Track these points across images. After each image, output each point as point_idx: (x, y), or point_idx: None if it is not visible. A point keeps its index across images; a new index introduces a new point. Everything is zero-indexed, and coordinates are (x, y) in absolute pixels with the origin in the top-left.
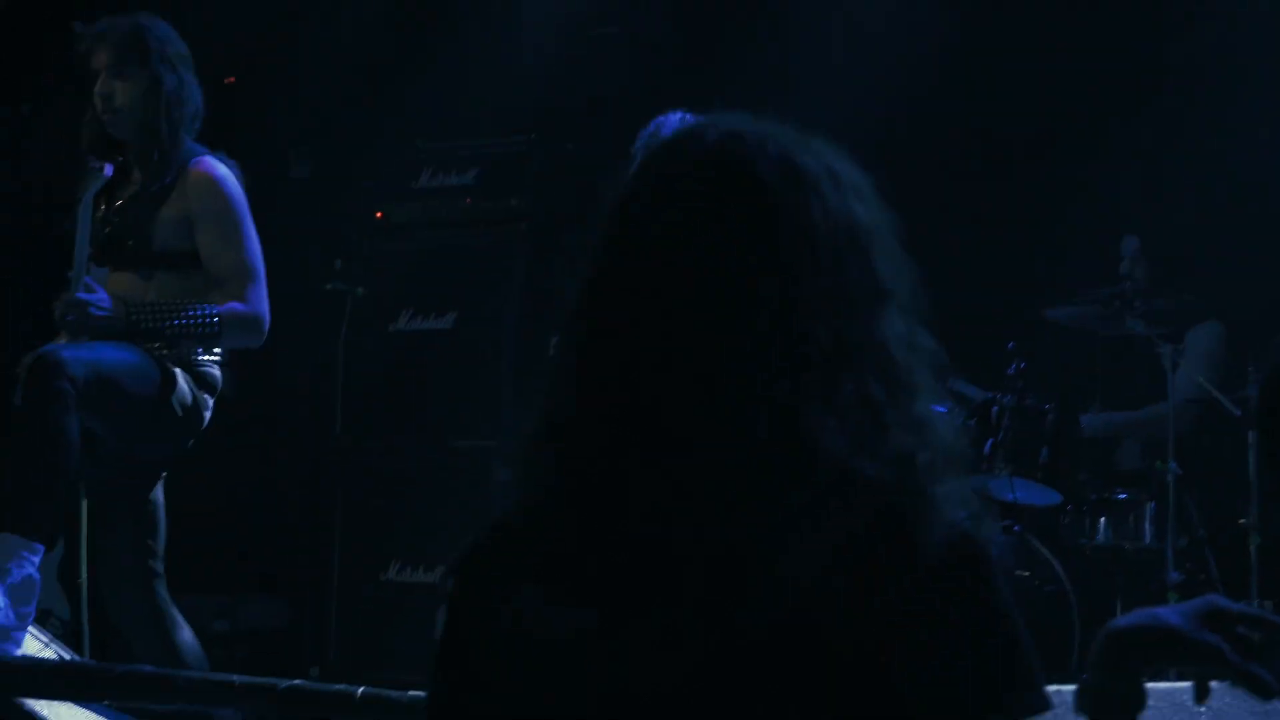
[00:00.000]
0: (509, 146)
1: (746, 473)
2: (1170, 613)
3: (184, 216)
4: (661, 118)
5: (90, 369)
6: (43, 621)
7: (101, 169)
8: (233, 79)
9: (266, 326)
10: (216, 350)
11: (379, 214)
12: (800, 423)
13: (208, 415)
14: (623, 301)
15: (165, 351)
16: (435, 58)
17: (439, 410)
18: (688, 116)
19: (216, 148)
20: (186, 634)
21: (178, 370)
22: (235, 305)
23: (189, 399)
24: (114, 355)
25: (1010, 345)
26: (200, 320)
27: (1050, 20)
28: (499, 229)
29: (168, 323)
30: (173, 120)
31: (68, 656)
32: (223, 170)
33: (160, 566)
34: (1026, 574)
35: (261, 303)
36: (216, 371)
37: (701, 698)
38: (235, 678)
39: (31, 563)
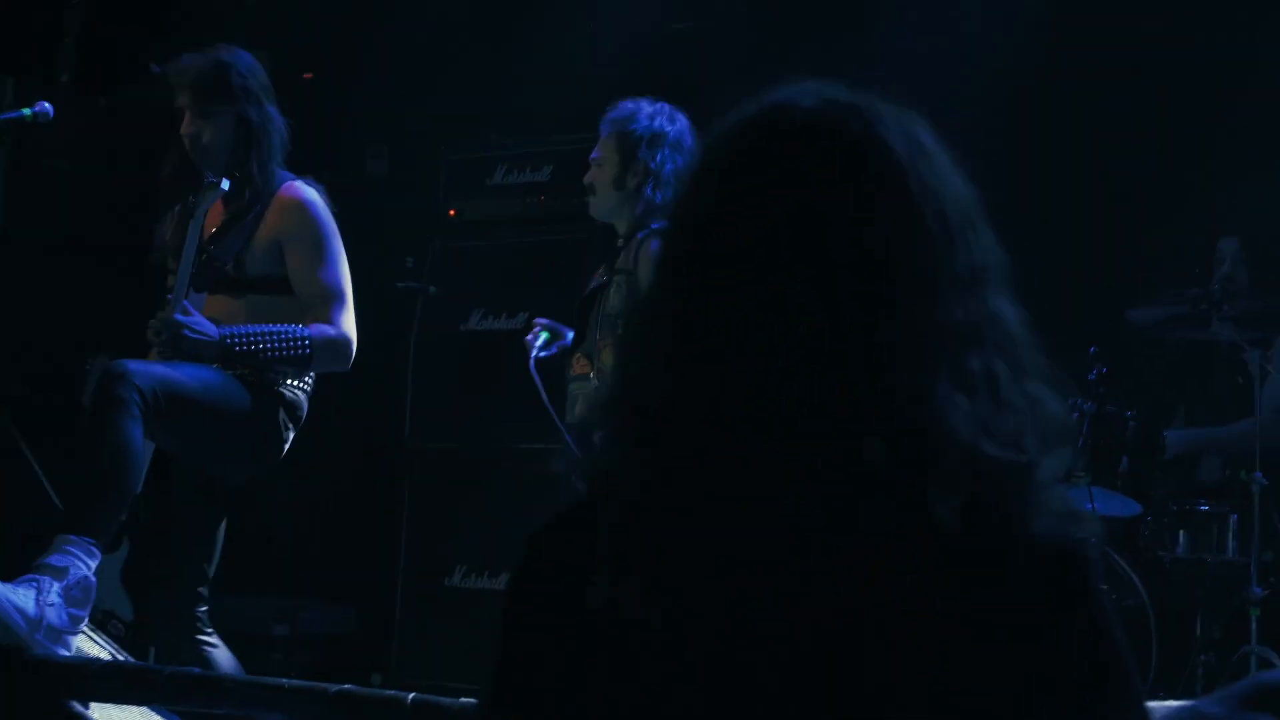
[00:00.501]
0: (583, 144)
1: (864, 460)
2: (1211, 704)
3: (275, 241)
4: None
5: (160, 383)
6: (103, 624)
7: (219, 183)
8: (310, 75)
9: (354, 350)
10: (307, 378)
11: (452, 211)
12: (929, 404)
13: (289, 442)
14: (729, 276)
15: (253, 376)
16: (510, 54)
17: (508, 412)
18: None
19: (294, 144)
20: (221, 654)
21: (264, 394)
22: (324, 328)
23: (272, 424)
24: (191, 374)
25: (1092, 350)
26: (292, 344)
27: (1147, 11)
28: (572, 227)
29: (261, 346)
30: (262, 155)
31: (122, 659)
32: (311, 194)
33: (207, 591)
34: (1104, 587)
35: (349, 326)
36: (303, 398)
37: (796, 689)
38: (285, 681)
39: (88, 565)
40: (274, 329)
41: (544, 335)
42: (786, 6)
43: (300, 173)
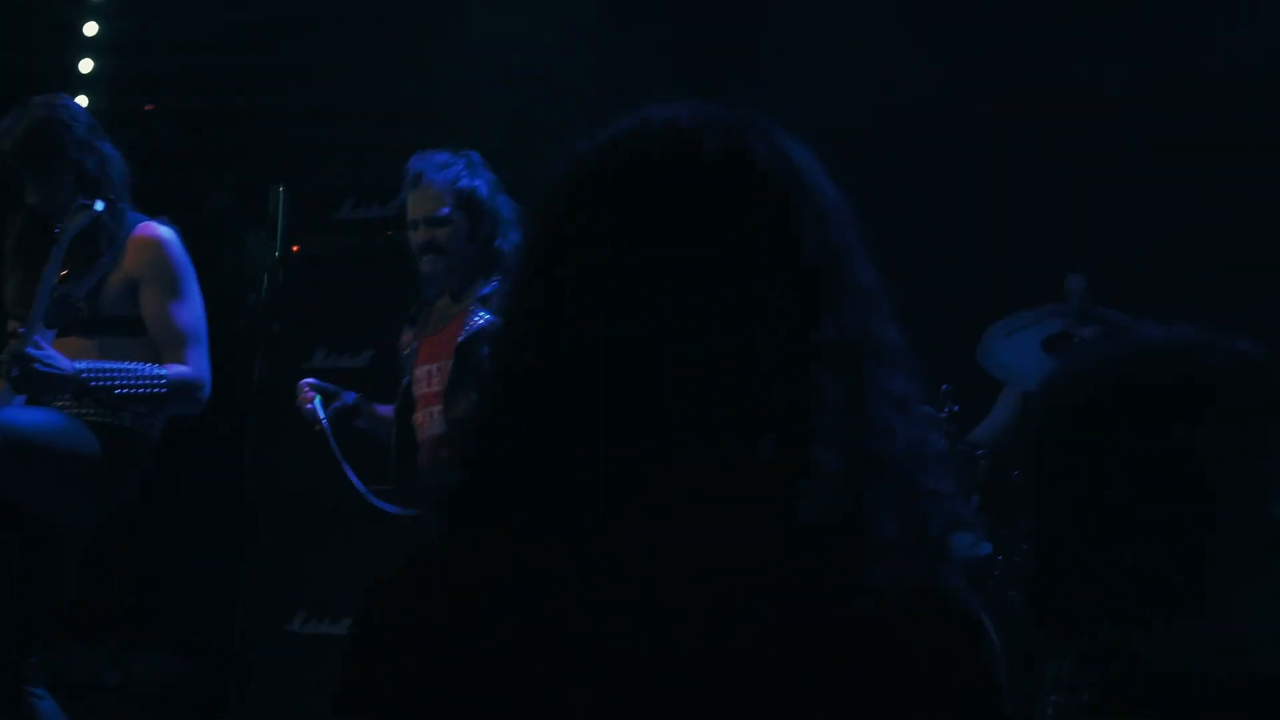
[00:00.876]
0: None
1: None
2: None
3: (129, 281)
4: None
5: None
6: None
7: (91, 205)
8: (152, 106)
9: (208, 392)
10: (158, 419)
11: (295, 247)
12: (812, 427)
13: (135, 484)
14: (601, 305)
15: (104, 416)
16: (359, 85)
17: (351, 454)
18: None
19: (136, 178)
20: (47, 705)
21: (113, 434)
22: (179, 368)
23: (119, 465)
24: (30, 416)
25: (944, 388)
26: (147, 382)
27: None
28: None
29: (115, 382)
30: (107, 200)
31: None
32: (166, 233)
33: (40, 642)
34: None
35: (204, 367)
36: (152, 440)
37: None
38: None
39: None
40: (129, 366)
41: (318, 398)
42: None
43: (142, 207)
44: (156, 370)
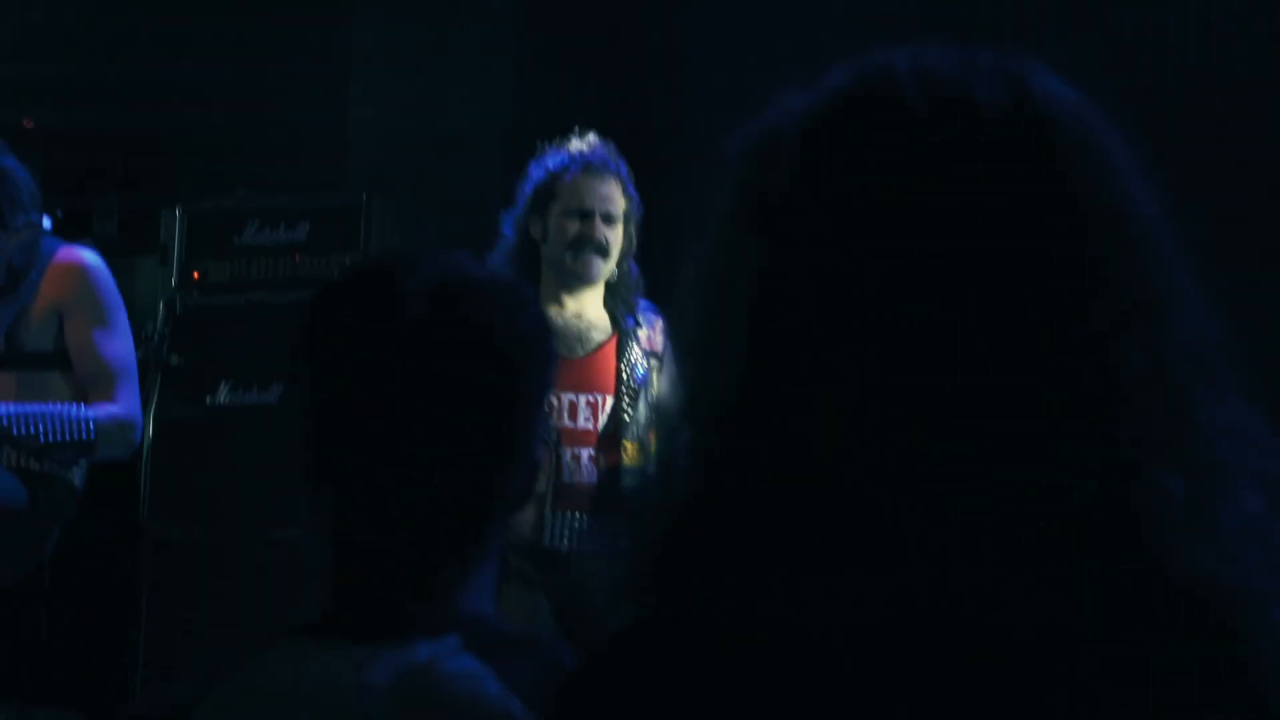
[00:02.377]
0: (342, 200)
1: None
2: None
3: (53, 312)
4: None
5: None
6: None
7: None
8: (30, 122)
9: (140, 432)
10: (81, 465)
11: (196, 274)
12: (1138, 483)
13: (54, 538)
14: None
15: (28, 463)
16: (259, 101)
17: (260, 495)
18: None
19: None
20: None
21: (34, 484)
22: (109, 407)
23: (42, 518)
24: None
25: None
26: (74, 426)
27: None
28: None
29: (39, 429)
30: (14, 219)
31: None
32: (92, 259)
33: None
34: None
35: (135, 405)
36: (76, 488)
37: None
38: None
39: None
40: (53, 409)
41: None
42: (556, 51)
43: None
44: (84, 412)
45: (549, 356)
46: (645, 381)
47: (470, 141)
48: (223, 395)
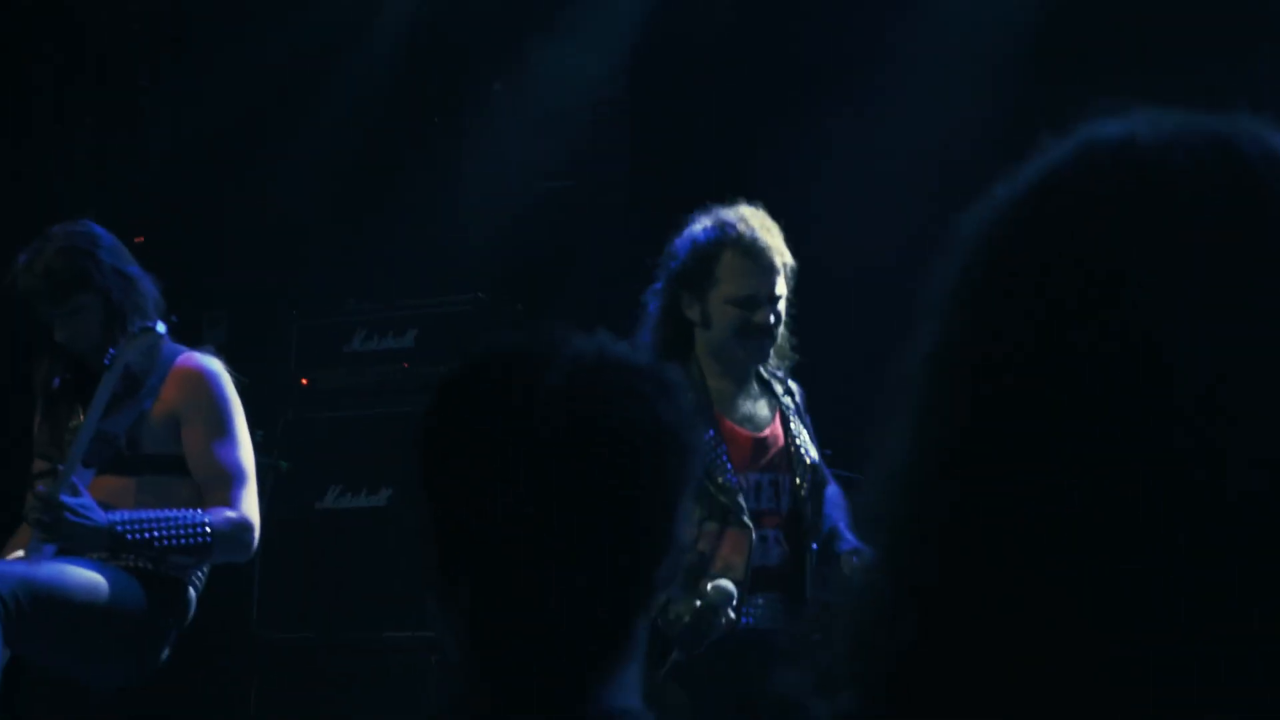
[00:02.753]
0: (451, 306)
1: None
2: None
3: (172, 417)
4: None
5: (20, 584)
6: None
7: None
8: (142, 238)
9: (257, 536)
10: (201, 570)
11: (304, 380)
12: None
13: (172, 643)
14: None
15: (146, 567)
16: (369, 212)
17: (371, 599)
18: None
19: None
20: None
21: (153, 588)
22: (224, 512)
23: (159, 623)
24: (63, 569)
25: None
26: (190, 531)
27: None
28: None
29: (155, 534)
30: (133, 325)
31: None
32: (213, 365)
33: None
34: None
35: (252, 509)
36: (194, 594)
37: None
38: None
39: None
40: (169, 514)
41: None
42: (661, 163)
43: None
44: (199, 517)
45: (693, 444)
46: (818, 463)
47: (580, 244)
48: (331, 499)
